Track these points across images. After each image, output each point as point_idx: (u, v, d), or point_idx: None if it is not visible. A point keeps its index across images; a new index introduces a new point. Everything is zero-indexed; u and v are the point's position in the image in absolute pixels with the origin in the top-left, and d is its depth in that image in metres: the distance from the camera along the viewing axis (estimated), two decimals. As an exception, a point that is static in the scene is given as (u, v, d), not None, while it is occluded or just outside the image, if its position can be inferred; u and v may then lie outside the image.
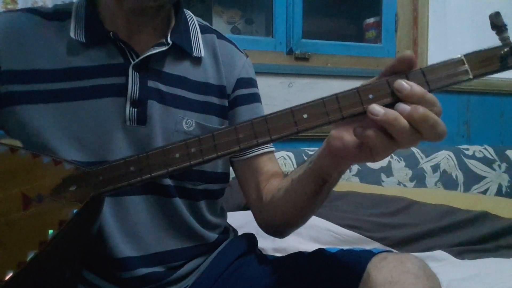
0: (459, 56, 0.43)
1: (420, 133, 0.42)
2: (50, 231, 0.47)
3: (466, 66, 0.43)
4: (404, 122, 0.42)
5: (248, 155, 0.71)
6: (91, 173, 0.48)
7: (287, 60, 1.67)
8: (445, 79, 0.43)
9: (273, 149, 0.74)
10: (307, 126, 0.44)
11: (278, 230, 0.70)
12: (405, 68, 0.44)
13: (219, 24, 1.94)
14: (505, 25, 0.44)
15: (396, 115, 0.42)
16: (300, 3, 1.69)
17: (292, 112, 0.44)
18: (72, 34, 0.61)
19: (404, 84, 0.43)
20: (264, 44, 1.68)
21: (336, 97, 0.44)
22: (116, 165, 0.47)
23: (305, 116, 0.44)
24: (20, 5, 1.27)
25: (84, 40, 0.61)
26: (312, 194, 0.58)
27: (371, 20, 1.89)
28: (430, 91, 0.43)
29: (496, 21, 0.43)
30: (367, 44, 1.88)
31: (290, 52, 1.67)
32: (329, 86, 1.67)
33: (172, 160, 0.46)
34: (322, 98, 0.44)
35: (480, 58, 0.43)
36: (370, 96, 0.43)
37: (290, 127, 0.44)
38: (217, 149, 0.45)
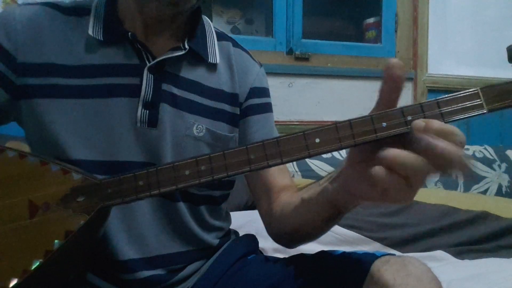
0: (475, 89, 0.43)
1: (440, 168, 0.39)
2: (56, 241, 0.46)
3: (481, 100, 0.42)
4: (414, 158, 0.39)
5: None
6: (100, 185, 0.48)
7: (287, 60, 1.67)
8: (460, 112, 0.42)
9: None
10: (318, 151, 0.44)
11: (285, 242, 0.69)
12: (396, 84, 0.42)
13: (219, 24, 1.94)
14: None
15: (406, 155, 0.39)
16: (300, 3, 1.69)
17: (305, 136, 0.44)
18: (90, 31, 0.61)
19: (420, 123, 0.40)
20: (264, 44, 1.68)
21: (350, 123, 0.43)
22: (125, 178, 0.47)
23: (317, 140, 0.43)
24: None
25: (102, 38, 0.61)
26: (325, 219, 0.56)
27: (371, 20, 1.89)
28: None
29: None
30: (367, 44, 1.88)
31: (290, 52, 1.67)
32: (329, 86, 1.67)
33: (181, 177, 0.45)
34: (335, 123, 0.44)
35: (496, 92, 0.42)
36: (384, 124, 0.43)
37: (301, 150, 0.44)
38: (228, 168, 0.44)
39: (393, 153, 0.39)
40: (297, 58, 1.66)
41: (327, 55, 1.72)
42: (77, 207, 0.47)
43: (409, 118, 0.42)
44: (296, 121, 1.60)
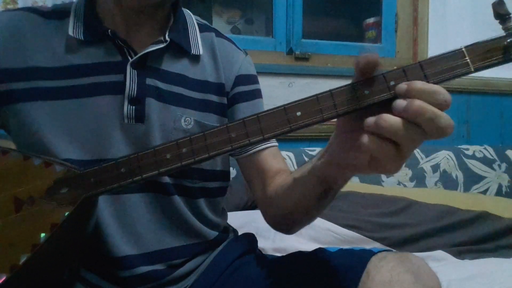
0: (459, 48, 0.41)
1: (421, 129, 0.39)
2: (43, 234, 0.46)
3: (467, 59, 0.41)
4: (394, 119, 0.38)
5: (251, 151, 0.70)
6: (83, 175, 0.48)
7: (287, 60, 1.67)
8: (445, 72, 0.40)
9: (276, 144, 0.73)
10: (300, 124, 0.43)
11: (284, 226, 0.69)
12: (372, 67, 0.42)
13: (219, 24, 1.94)
14: (509, 14, 0.41)
15: (384, 117, 0.38)
16: (300, 3, 1.69)
17: (285, 110, 0.43)
18: (70, 32, 0.61)
19: (403, 86, 0.40)
20: (264, 44, 1.68)
21: (331, 93, 0.42)
22: (107, 166, 0.47)
23: (298, 113, 0.42)
24: (20, 5, 1.27)
25: (82, 38, 0.61)
26: (317, 197, 0.57)
27: (371, 20, 1.89)
28: None
29: (499, 9, 0.41)
30: (367, 44, 1.88)
31: (290, 52, 1.67)
32: (329, 86, 1.65)
33: (163, 161, 0.45)
34: (316, 95, 0.43)
35: (482, 49, 0.41)
36: (366, 91, 0.41)
37: (283, 125, 0.43)
38: (209, 149, 0.44)
39: (379, 118, 0.39)
40: (297, 58, 1.66)
41: (327, 55, 1.72)
42: (61, 199, 0.48)
43: (392, 83, 0.41)
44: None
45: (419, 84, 0.39)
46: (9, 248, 0.47)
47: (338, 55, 1.73)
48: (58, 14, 0.64)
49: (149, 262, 0.63)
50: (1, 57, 0.60)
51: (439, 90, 0.39)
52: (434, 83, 0.40)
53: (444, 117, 0.38)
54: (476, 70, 0.41)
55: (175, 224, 0.65)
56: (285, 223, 0.68)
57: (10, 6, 1.26)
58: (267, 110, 0.43)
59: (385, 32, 1.82)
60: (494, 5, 0.42)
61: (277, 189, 0.66)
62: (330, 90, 0.42)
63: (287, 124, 0.43)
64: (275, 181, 0.68)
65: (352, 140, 0.44)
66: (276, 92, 1.58)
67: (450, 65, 0.41)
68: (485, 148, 1.69)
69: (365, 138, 0.40)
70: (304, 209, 0.61)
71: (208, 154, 0.44)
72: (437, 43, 1.81)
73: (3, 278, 0.45)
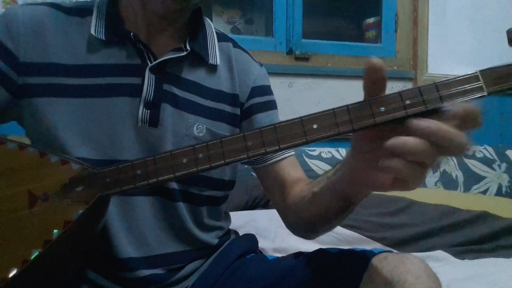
0: (475, 71, 0.42)
1: (444, 148, 0.39)
2: (55, 231, 0.47)
3: (481, 83, 0.41)
4: (421, 142, 0.38)
5: (269, 162, 0.70)
6: (98, 174, 0.48)
7: (287, 60, 1.67)
8: (459, 95, 0.41)
9: (293, 153, 0.73)
10: (316, 137, 0.43)
11: (303, 233, 0.69)
12: (378, 76, 0.41)
13: (219, 24, 1.94)
14: None
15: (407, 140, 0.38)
16: (300, 3, 1.69)
17: (302, 122, 0.43)
18: (92, 31, 0.61)
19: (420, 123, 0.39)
20: (264, 44, 1.68)
21: (347, 108, 0.43)
22: (123, 167, 0.47)
23: (315, 126, 0.43)
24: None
25: (104, 38, 0.61)
26: (338, 211, 0.55)
27: (371, 20, 1.89)
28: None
29: None
30: (367, 44, 1.88)
31: (290, 52, 1.67)
32: (329, 86, 1.67)
33: (179, 165, 0.45)
34: (333, 109, 0.43)
35: (496, 74, 0.41)
36: (382, 109, 0.42)
37: (299, 137, 0.43)
38: (225, 156, 0.44)
39: (402, 140, 0.38)
40: (297, 58, 1.66)
41: (327, 55, 1.72)
42: (76, 197, 0.48)
43: (408, 102, 0.41)
44: (296, 121, 1.60)
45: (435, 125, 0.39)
46: (21, 243, 0.47)
47: (338, 55, 1.73)
48: (80, 11, 0.64)
49: (150, 265, 0.63)
50: (23, 51, 0.60)
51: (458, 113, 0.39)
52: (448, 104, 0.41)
53: (459, 135, 0.39)
54: (490, 94, 0.42)
55: (176, 230, 0.65)
56: (306, 230, 0.67)
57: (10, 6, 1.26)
58: (284, 121, 0.44)
59: (385, 32, 1.82)
60: (508, 33, 0.43)
61: (297, 200, 0.65)
62: (347, 105, 0.43)
63: (304, 136, 0.43)
64: (294, 190, 0.68)
65: (373, 161, 0.43)
66: (276, 92, 1.55)
67: (464, 88, 0.41)
68: (485, 148, 1.69)
69: (394, 162, 0.39)
70: (323, 221, 0.60)
71: (224, 161, 0.44)
72: (437, 43, 1.81)
73: (14, 272, 0.45)
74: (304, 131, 0.43)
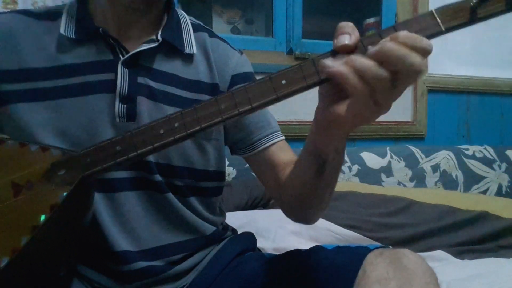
0: (429, 11, 0.45)
1: (392, 71, 0.40)
2: (42, 216, 0.47)
3: (437, 20, 0.44)
4: (365, 62, 0.40)
5: (258, 149, 0.70)
6: (79, 156, 0.48)
7: (287, 60, 1.67)
8: (418, 33, 0.43)
9: (282, 138, 0.72)
10: (286, 92, 0.44)
11: (298, 212, 0.68)
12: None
13: (219, 24, 1.94)
14: None
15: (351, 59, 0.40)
16: (300, 3, 1.69)
17: (271, 79, 0.45)
18: (62, 30, 0.61)
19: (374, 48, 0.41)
20: (264, 44, 1.68)
21: (313, 60, 0.44)
22: (102, 145, 0.48)
23: (283, 82, 0.44)
24: (20, 5, 1.27)
25: (74, 37, 0.61)
26: (315, 174, 0.56)
27: (371, 20, 1.89)
28: None
29: None
30: (367, 44, 1.88)
31: (290, 52, 1.67)
32: (329, 86, 1.67)
33: (156, 136, 0.46)
34: (300, 63, 0.45)
35: (451, 11, 0.44)
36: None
37: (269, 94, 0.44)
38: (200, 121, 0.45)
39: (358, 56, 0.41)
40: (297, 58, 1.66)
41: (327, 55, 1.72)
42: (59, 181, 0.48)
43: (369, 47, 0.43)
44: (296, 121, 1.60)
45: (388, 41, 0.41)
46: (9, 232, 0.47)
47: (338, 55, 1.73)
48: (50, 15, 0.64)
49: (147, 258, 0.63)
50: None
51: (410, 37, 0.41)
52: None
53: (412, 56, 0.40)
54: (447, 30, 0.45)
55: (171, 220, 0.66)
56: (299, 206, 0.66)
57: (10, 6, 1.26)
58: (254, 81, 0.46)
59: (385, 32, 1.82)
60: None
61: (288, 177, 0.66)
62: (312, 58, 0.44)
63: (273, 92, 0.44)
64: (286, 171, 0.68)
65: (334, 100, 0.45)
66: (276, 92, 1.58)
67: (422, 26, 0.44)
68: (485, 148, 1.70)
69: (346, 68, 0.41)
70: (308, 190, 0.60)
71: (200, 126, 0.45)
72: (437, 43, 1.80)
73: (6, 262, 0.45)
74: (274, 87, 0.44)
